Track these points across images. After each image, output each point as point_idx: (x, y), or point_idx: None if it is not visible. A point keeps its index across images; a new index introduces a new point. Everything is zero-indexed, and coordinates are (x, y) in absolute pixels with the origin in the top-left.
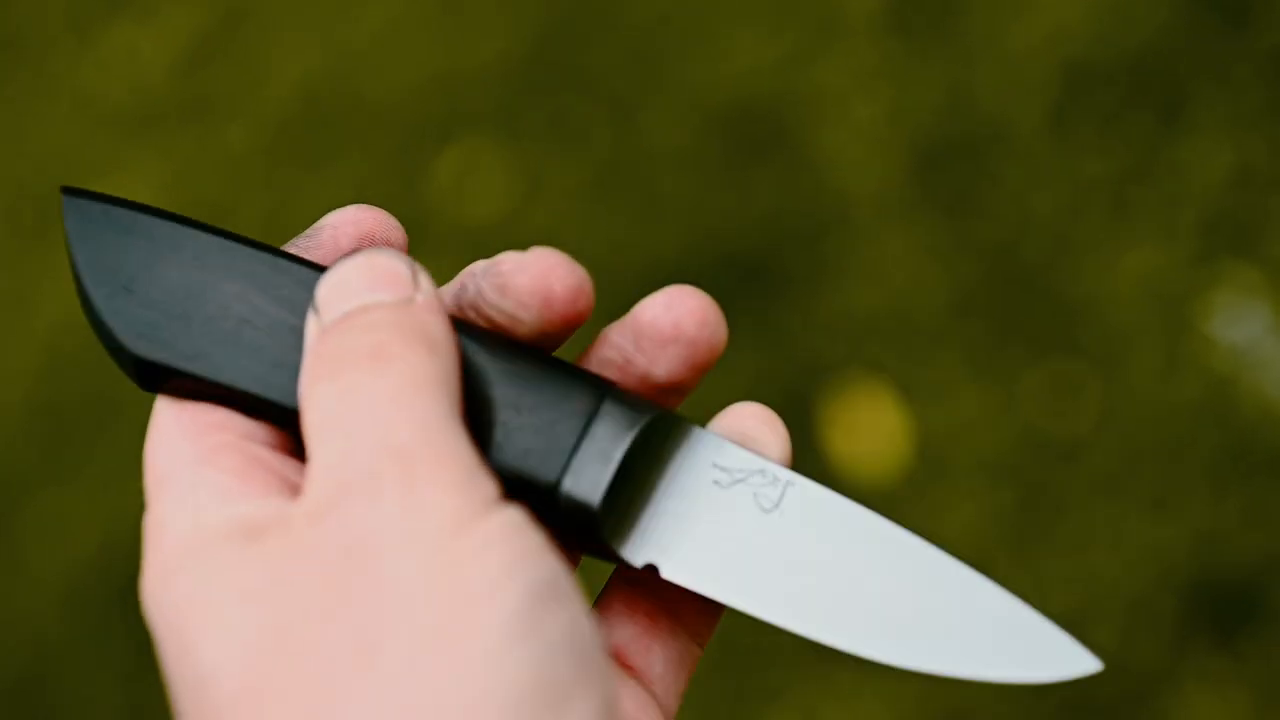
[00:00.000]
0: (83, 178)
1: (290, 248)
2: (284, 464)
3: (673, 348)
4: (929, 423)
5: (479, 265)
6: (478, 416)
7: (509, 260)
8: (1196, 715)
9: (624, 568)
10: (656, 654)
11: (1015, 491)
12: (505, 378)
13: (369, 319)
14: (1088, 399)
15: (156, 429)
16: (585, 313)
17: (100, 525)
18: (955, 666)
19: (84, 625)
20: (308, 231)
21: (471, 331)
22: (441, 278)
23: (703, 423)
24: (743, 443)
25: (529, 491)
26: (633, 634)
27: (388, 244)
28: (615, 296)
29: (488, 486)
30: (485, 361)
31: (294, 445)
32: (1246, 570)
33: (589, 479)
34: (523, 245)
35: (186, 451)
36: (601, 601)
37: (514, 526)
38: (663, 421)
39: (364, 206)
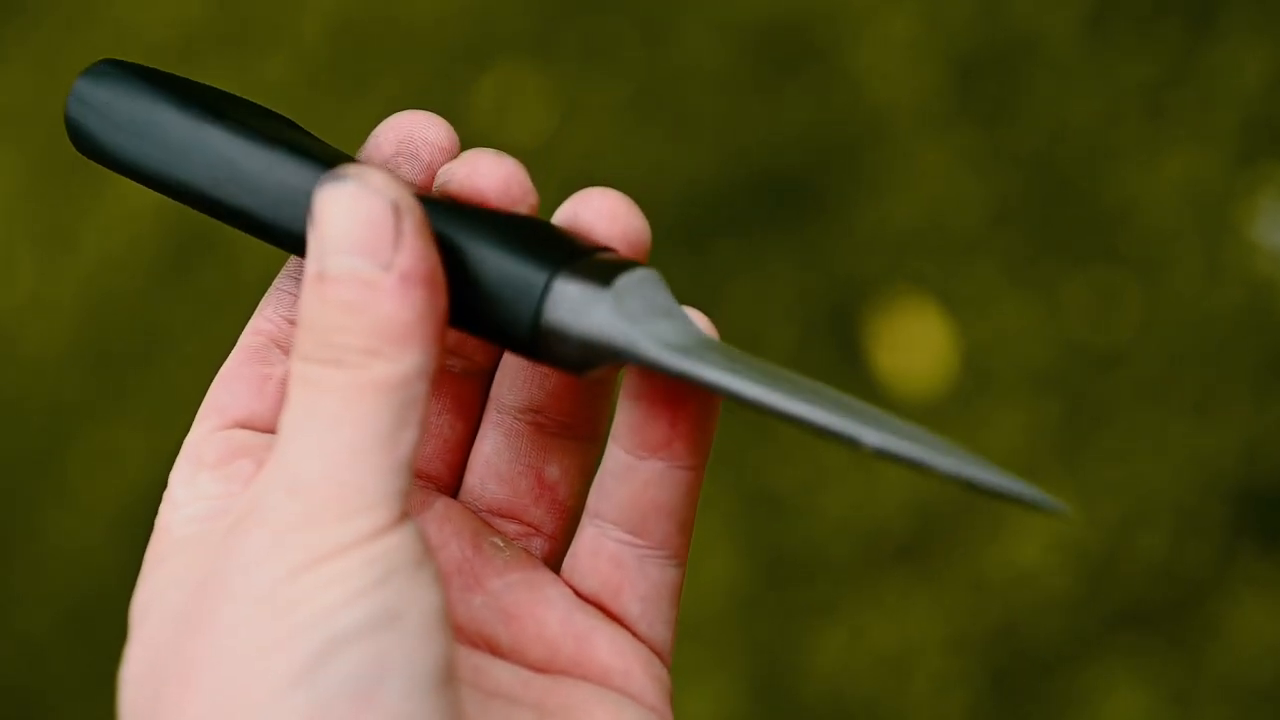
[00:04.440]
0: None
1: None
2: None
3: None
4: (972, 335)
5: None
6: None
7: (442, 171)
8: (1246, 621)
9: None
10: (627, 595)
11: (1060, 401)
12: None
13: (344, 297)
14: (1129, 306)
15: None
16: (521, 203)
17: (149, 456)
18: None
19: (137, 555)
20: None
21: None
22: None
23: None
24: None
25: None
26: (600, 582)
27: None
28: (655, 217)
29: (376, 516)
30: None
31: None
32: None
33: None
34: (562, 169)
35: (190, 439)
36: (570, 553)
37: (358, 566)
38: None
39: (412, 112)
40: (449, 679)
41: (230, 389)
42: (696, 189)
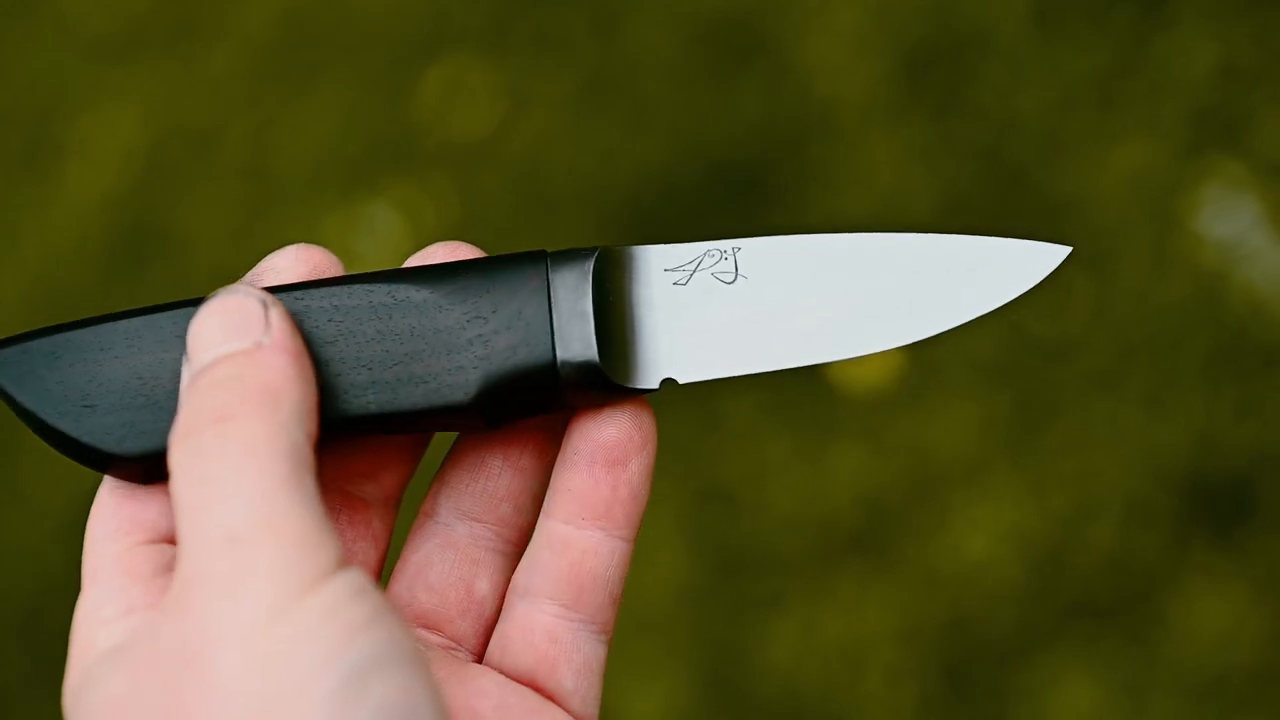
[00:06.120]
0: (66, 107)
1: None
2: None
3: None
4: None
5: None
6: (454, 337)
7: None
8: (1196, 611)
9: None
10: (562, 670)
11: (1010, 393)
12: (460, 296)
13: (219, 375)
14: (1078, 298)
15: (92, 525)
16: None
17: None
18: (952, 319)
19: None
20: (250, 274)
21: (417, 276)
22: (433, 195)
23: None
24: None
25: (528, 379)
26: (535, 659)
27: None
28: (605, 208)
29: (322, 553)
30: (438, 292)
31: None
32: (1242, 465)
33: (579, 341)
34: (512, 161)
35: (109, 554)
36: (498, 633)
37: (340, 601)
38: (604, 256)
39: (304, 245)
40: None
41: (147, 505)
42: (647, 181)
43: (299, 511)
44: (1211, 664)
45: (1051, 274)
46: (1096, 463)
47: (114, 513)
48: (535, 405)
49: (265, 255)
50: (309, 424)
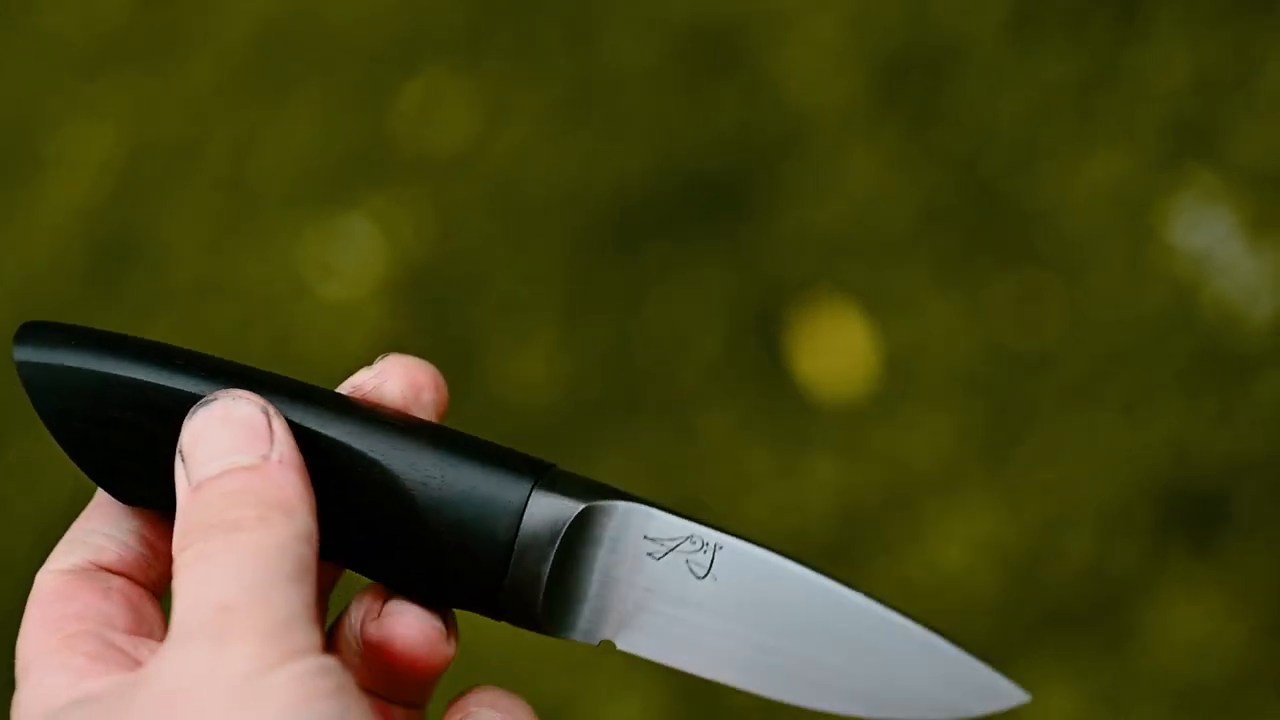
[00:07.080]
0: (43, 120)
1: (345, 387)
2: (137, 646)
3: None
4: (897, 337)
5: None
6: (415, 527)
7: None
8: (1173, 621)
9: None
10: None
11: (985, 403)
12: (434, 488)
13: (227, 488)
14: (1054, 308)
15: (25, 624)
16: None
17: (71, 470)
18: (893, 713)
19: None
20: (359, 378)
21: (397, 448)
22: (411, 208)
23: None
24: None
25: (472, 598)
26: None
27: (431, 397)
28: (583, 219)
29: (301, 637)
30: (414, 475)
31: (151, 627)
32: (1218, 475)
33: (527, 591)
34: (490, 173)
35: (47, 642)
36: None
37: (309, 673)
38: (585, 513)
39: (415, 361)
40: None
41: (75, 599)
42: (625, 191)
43: (292, 601)
44: (1188, 673)
45: (1030, 288)
46: (1073, 472)
47: (46, 613)
48: (472, 608)
49: (242, 268)
50: (314, 536)
